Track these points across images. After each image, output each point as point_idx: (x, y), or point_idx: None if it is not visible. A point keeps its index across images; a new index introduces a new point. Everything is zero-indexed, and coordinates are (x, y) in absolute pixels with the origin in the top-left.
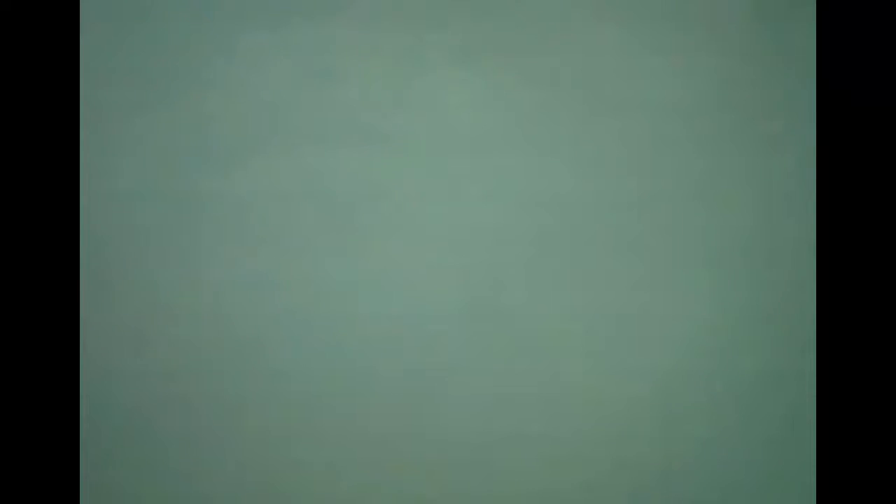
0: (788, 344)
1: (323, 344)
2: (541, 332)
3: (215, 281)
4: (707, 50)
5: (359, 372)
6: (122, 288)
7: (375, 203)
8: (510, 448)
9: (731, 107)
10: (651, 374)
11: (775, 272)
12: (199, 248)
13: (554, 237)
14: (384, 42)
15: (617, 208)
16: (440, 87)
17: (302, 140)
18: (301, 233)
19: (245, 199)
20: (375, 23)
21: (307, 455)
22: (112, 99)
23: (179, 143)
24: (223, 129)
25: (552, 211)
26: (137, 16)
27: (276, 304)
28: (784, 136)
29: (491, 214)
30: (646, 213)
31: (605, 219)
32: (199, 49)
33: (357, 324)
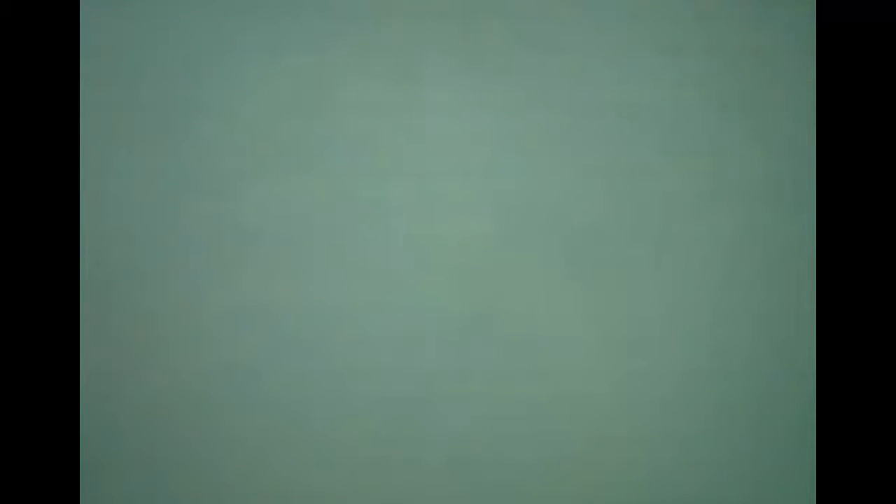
0: (791, 346)
1: (321, 367)
2: (543, 346)
3: (212, 306)
4: (707, 51)
5: (358, 395)
6: (119, 314)
7: (374, 224)
8: (514, 468)
9: (731, 109)
10: (656, 383)
11: (778, 272)
12: (196, 274)
13: (555, 250)
14: (380, 64)
15: (618, 216)
16: (437, 105)
17: (298, 163)
18: (299, 255)
19: (243, 223)
20: (371, 45)
21: (306, 478)
22: (110, 127)
23: (177, 170)
24: (220, 155)
25: (553, 223)
26: (134, 42)
27: (274, 327)
28: (785, 137)
29: (492, 228)
30: (647, 220)
31: (605, 228)
32: (195, 75)
33: (356, 346)
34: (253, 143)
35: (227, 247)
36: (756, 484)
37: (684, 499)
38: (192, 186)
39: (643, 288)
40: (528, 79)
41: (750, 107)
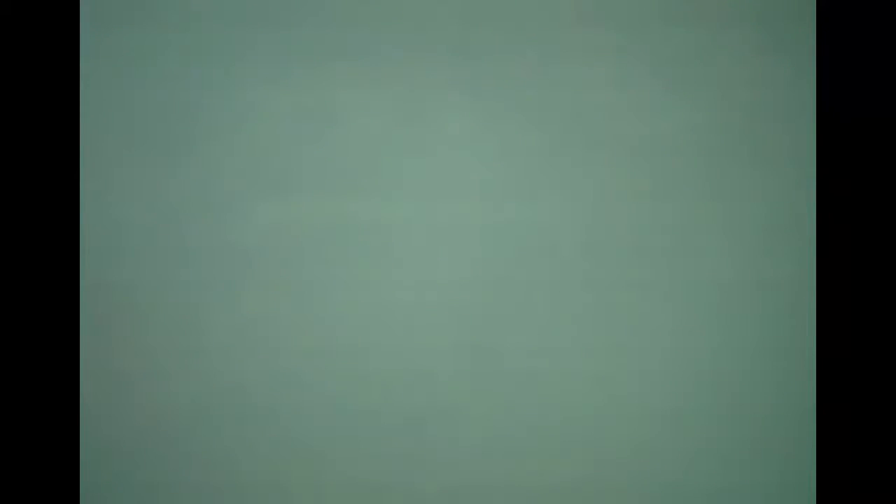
0: (790, 350)
1: (321, 387)
2: (544, 375)
3: (216, 328)
4: (704, 83)
5: (357, 412)
6: (121, 337)
7: (374, 244)
8: (512, 495)
9: (732, 132)
10: (649, 413)
11: (776, 291)
12: (196, 292)
13: (552, 276)
14: (382, 87)
15: (610, 242)
16: (439, 130)
17: (299, 184)
18: (301, 277)
19: (243, 243)
20: (374, 68)
21: (301, 496)
22: (112, 152)
23: (177, 190)
24: (221, 175)
25: (546, 247)
26: (135, 62)
27: (276, 351)
28: (784, 149)
29: (488, 251)
30: (643, 250)
31: (604, 256)
32: (199, 98)
33: (357, 369)
34: (254, 163)
35: (227, 266)
36: (757, 486)
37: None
38: (192, 206)
39: (639, 321)
40: (531, 108)
41: (749, 127)
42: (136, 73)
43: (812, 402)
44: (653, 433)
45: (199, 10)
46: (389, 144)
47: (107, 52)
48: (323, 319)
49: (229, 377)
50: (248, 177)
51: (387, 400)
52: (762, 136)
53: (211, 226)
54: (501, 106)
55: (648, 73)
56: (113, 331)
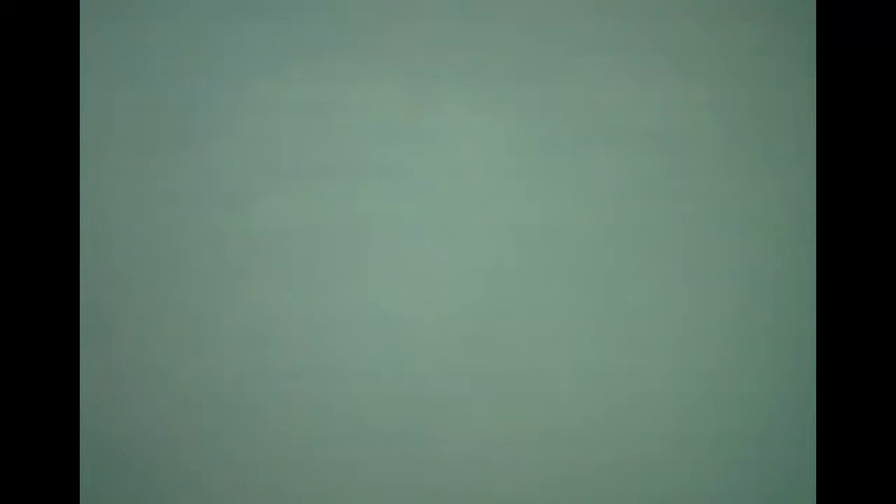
0: (790, 350)
1: (322, 390)
2: (544, 375)
3: (218, 327)
4: (705, 80)
5: (359, 418)
6: (121, 336)
7: (379, 238)
8: (512, 496)
9: (728, 133)
10: (649, 413)
11: (777, 290)
12: (200, 295)
13: (554, 268)
14: (385, 81)
15: (616, 238)
16: (443, 123)
17: (303, 182)
18: (302, 274)
19: (248, 245)
20: (376, 62)
21: (303, 494)
22: (112, 149)
23: (181, 191)
24: (228, 168)
25: (552, 242)
26: (137, 62)
27: (275, 350)
28: (788, 157)
29: (492, 246)
30: (645, 243)
31: (605, 249)
32: (201, 92)
33: (357, 368)
34: (255, 160)
35: (228, 264)
36: (757, 487)
37: None
38: (192, 204)
39: (640, 314)
40: (536, 102)
41: (757, 131)
42: (136, 70)
43: (812, 403)
44: (652, 433)
45: (197, 5)
46: (392, 139)
47: (105, 48)
48: (323, 318)
49: (230, 377)
50: (249, 173)
51: (386, 400)
52: (762, 134)
53: (212, 224)
54: (507, 100)
55: (654, 68)
56: (113, 329)
